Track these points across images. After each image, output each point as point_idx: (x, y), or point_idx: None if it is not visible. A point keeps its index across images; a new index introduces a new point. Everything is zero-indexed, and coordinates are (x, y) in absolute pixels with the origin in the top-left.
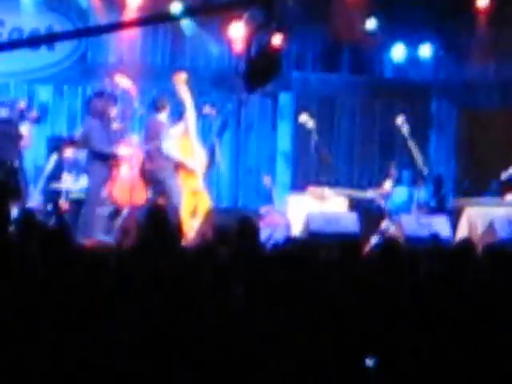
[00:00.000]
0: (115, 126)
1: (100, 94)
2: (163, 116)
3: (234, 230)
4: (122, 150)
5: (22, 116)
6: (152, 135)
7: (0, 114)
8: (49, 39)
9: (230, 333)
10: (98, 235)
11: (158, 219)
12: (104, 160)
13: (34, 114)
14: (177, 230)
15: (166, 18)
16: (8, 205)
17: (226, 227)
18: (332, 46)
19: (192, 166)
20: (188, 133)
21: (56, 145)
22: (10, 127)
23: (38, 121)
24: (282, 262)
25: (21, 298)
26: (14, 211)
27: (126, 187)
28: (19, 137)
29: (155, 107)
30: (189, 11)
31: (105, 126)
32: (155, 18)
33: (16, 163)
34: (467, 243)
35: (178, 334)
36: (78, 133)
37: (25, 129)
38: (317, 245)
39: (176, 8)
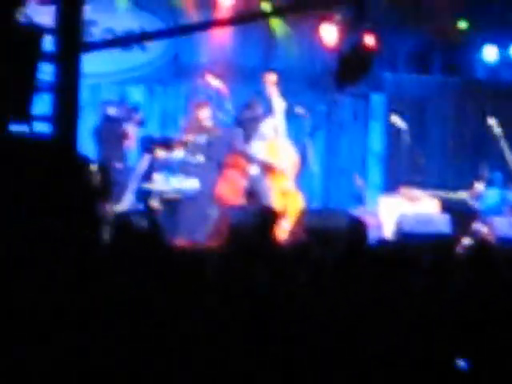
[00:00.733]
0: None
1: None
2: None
3: (344, 230)
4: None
5: (129, 116)
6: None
7: (109, 113)
8: (140, 38)
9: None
10: (202, 236)
11: (269, 221)
12: (220, 164)
13: (139, 115)
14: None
15: (255, 17)
16: (99, 206)
17: (319, 229)
18: (424, 47)
19: (281, 166)
20: (277, 133)
21: (148, 145)
22: (117, 126)
23: (141, 124)
24: (378, 262)
25: (113, 296)
26: (110, 211)
27: (235, 189)
28: (125, 136)
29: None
30: (278, 10)
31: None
32: (245, 18)
33: (117, 164)
34: None
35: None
36: (179, 134)
37: (130, 129)
38: (409, 246)
39: (265, 7)
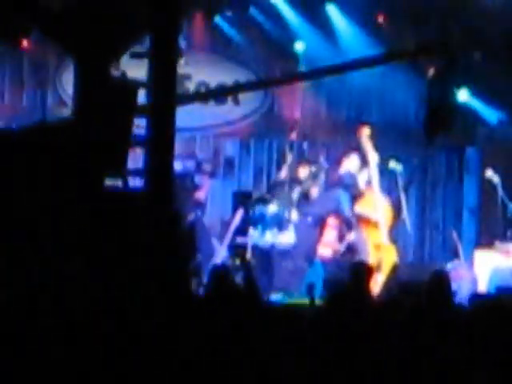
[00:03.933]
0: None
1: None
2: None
3: (426, 284)
4: None
5: (199, 169)
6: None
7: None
8: (232, 90)
9: None
10: (297, 290)
11: (363, 275)
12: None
13: (208, 167)
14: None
15: (344, 69)
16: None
17: (412, 282)
18: None
19: (375, 218)
20: (371, 186)
21: (241, 200)
22: (186, 180)
23: (212, 175)
24: (472, 316)
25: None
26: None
27: (330, 244)
28: (195, 189)
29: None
30: (366, 62)
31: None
32: (333, 70)
33: (191, 216)
34: None
35: None
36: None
37: (201, 181)
38: (504, 300)
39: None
